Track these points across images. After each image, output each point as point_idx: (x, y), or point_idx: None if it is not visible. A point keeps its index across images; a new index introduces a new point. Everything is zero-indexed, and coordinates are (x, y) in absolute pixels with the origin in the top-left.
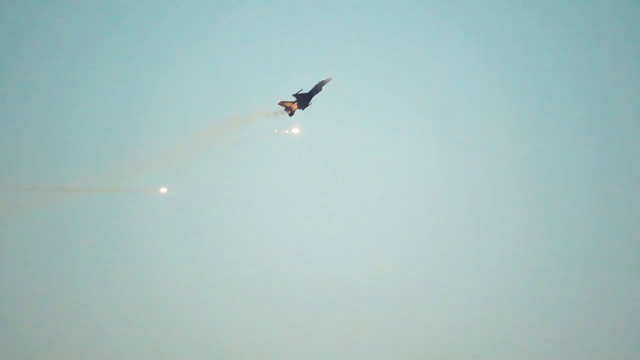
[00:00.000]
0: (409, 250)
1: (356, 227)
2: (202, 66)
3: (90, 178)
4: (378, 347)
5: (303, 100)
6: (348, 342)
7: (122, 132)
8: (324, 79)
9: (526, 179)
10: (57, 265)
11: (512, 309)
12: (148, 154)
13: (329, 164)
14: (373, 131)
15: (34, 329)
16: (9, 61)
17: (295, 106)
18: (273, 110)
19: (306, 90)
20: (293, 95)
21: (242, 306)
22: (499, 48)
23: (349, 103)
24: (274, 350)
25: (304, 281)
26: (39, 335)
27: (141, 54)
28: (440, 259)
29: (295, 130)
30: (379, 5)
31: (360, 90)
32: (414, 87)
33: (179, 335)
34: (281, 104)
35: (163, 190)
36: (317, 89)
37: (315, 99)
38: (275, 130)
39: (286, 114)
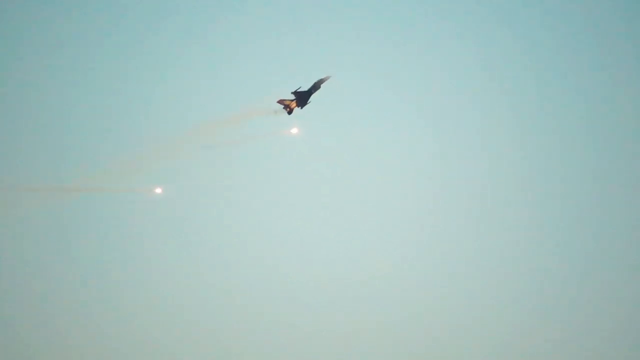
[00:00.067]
0: (409, 250)
1: (356, 227)
2: (199, 64)
3: (82, 178)
4: (378, 347)
5: (302, 98)
6: (348, 342)
7: (115, 132)
8: (323, 77)
9: (526, 179)
10: (50, 265)
11: (512, 309)
12: (142, 153)
13: (329, 164)
14: (372, 131)
15: (28, 328)
16: None
17: (293, 104)
18: (272, 109)
19: (305, 88)
20: (292, 93)
21: (241, 306)
22: (499, 48)
23: (347, 103)
24: (274, 350)
25: (303, 281)
26: (32, 336)
27: (136, 52)
28: (440, 259)
29: (294, 130)
30: (378, 4)
31: (360, 90)
32: (414, 86)
33: (177, 336)
34: (280, 102)
35: (158, 190)
36: (315, 87)
37: (314, 98)
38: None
39: (285, 112)
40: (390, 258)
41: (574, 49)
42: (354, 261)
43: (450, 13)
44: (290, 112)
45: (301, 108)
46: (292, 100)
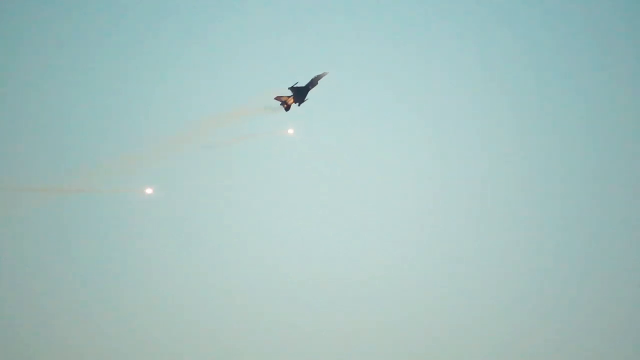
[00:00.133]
0: (409, 250)
1: (355, 227)
2: (194, 63)
3: (73, 179)
4: (378, 347)
5: (299, 94)
6: (348, 342)
7: (110, 132)
8: (320, 74)
9: (526, 179)
10: (42, 265)
11: (512, 309)
12: (135, 153)
13: (327, 164)
14: (370, 130)
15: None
16: None
17: (291, 100)
18: (269, 107)
19: (302, 84)
20: (289, 88)
21: (240, 307)
22: (499, 47)
23: (345, 102)
24: (273, 350)
25: (302, 281)
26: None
27: (129, 52)
28: (440, 259)
29: (290, 131)
30: (375, 3)
31: (358, 90)
32: (412, 86)
33: (176, 336)
34: (277, 98)
35: (148, 191)
36: (313, 83)
37: (311, 98)
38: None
39: (282, 109)
40: (389, 258)
41: (574, 49)
42: (353, 261)
43: (448, 12)
44: (287, 109)
45: (299, 105)
46: (289, 97)
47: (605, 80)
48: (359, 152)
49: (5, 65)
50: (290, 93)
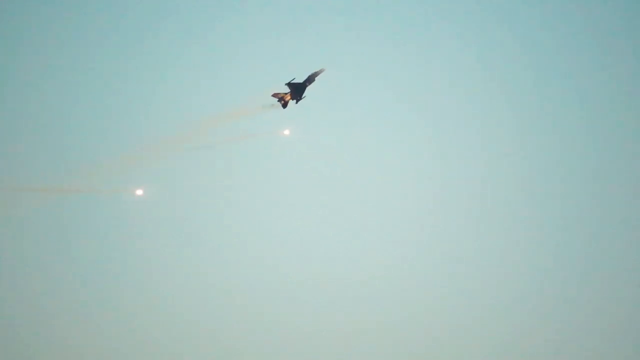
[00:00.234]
0: (409, 250)
1: (355, 227)
2: (191, 62)
3: (64, 179)
4: (378, 347)
5: (296, 90)
6: (348, 342)
7: (104, 132)
8: (317, 70)
9: (526, 179)
10: (39, 266)
11: (512, 309)
12: (128, 154)
13: (328, 164)
14: (369, 130)
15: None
16: None
17: (288, 97)
18: (266, 104)
19: (299, 80)
20: (285, 84)
21: (239, 307)
22: (498, 47)
23: (344, 102)
24: (274, 350)
25: (302, 281)
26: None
27: (125, 51)
28: (440, 259)
29: (286, 132)
30: (374, 2)
31: (357, 89)
32: (410, 86)
33: (174, 337)
34: (274, 95)
35: (139, 192)
36: (310, 79)
37: (310, 97)
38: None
39: (280, 107)
40: (389, 258)
41: (574, 49)
42: (353, 261)
43: (448, 12)
44: (285, 105)
45: (296, 102)
46: (286, 93)
47: (605, 80)
48: (359, 151)
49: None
50: (287, 89)
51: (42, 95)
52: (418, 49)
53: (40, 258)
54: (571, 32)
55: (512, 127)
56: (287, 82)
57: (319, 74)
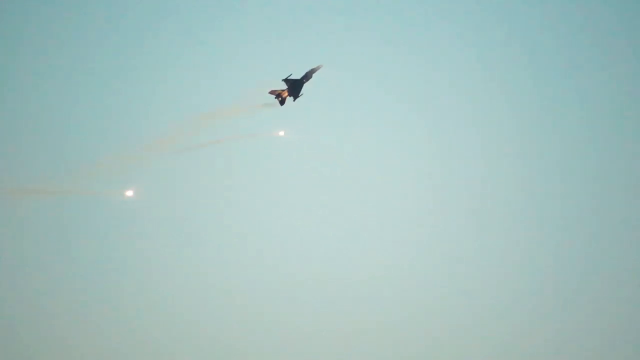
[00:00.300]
0: (409, 250)
1: (355, 227)
2: (186, 58)
3: (53, 180)
4: (378, 347)
5: (293, 87)
6: (348, 342)
7: (97, 133)
8: (314, 67)
9: (526, 179)
10: (38, 266)
11: (512, 309)
12: (123, 154)
13: (328, 164)
14: (370, 130)
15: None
16: None
17: (285, 93)
18: (264, 103)
19: (296, 76)
20: (283, 80)
21: (239, 307)
22: (498, 47)
23: (343, 102)
24: (274, 350)
25: (302, 281)
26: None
27: (113, 46)
28: (440, 259)
29: (281, 133)
30: (373, 1)
31: (355, 89)
32: (412, 85)
33: (172, 337)
34: (272, 92)
35: (129, 193)
36: (307, 76)
37: (308, 97)
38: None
39: (278, 104)
40: (389, 258)
41: (574, 49)
42: (353, 261)
43: (447, 12)
44: (282, 102)
45: (294, 100)
46: (283, 90)
47: (605, 80)
48: (358, 151)
49: None
50: (284, 86)
51: (36, 95)
52: (417, 48)
53: (39, 258)
54: (571, 32)
55: (512, 127)
56: (285, 78)
57: (316, 70)
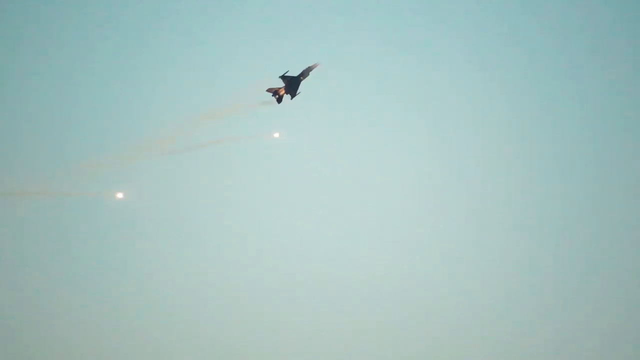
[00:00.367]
0: (409, 250)
1: (355, 227)
2: (187, 61)
3: (41, 181)
4: (378, 347)
5: (291, 84)
6: (348, 342)
7: (84, 132)
8: (311, 65)
9: (526, 179)
10: (38, 266)
11: (512, 309)
12: (118, 154)
13: (327, 164)
14: (370, 130)
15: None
16: None
17: (282, 90)
18: (260, 100)
19: (293, 73)
20: (279, 77)
21: (240, 307)
22: (497, 47)
23: (342, 101)
24: (274, 350)
25: (302, 281)
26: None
27: (111, 46)
28: (440, 259)
29: (276, 134)
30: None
31: (354, 89)
32: (411, 85)
33: (174, 337)
34: (269, 90)
35: (119, 195)
36: (304, 73)
37: (306, 97)
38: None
39: (275, 102)
40: (389, 258)
41: (574, 49)
42: (353, 261)
43: (446, 12)
44: (279, 100)
45: (291, 98)
46: (280, 87)
47: (605, 80)
48: (358, 151)
49: None
50: (281, 83)
51: (35, 95)
52: (417, 48)
53: (39, 259)
54: (571, 32)
55: (511, 127)
56: (282, 74)
57: (312, 68)
